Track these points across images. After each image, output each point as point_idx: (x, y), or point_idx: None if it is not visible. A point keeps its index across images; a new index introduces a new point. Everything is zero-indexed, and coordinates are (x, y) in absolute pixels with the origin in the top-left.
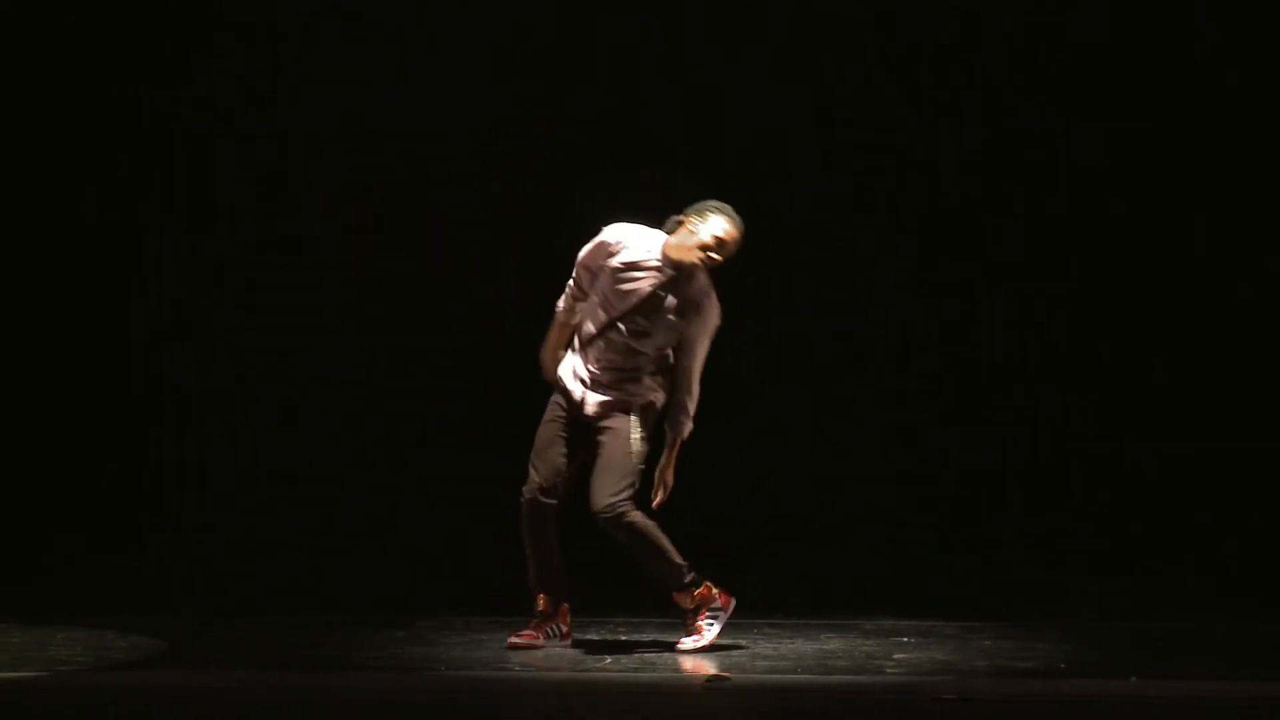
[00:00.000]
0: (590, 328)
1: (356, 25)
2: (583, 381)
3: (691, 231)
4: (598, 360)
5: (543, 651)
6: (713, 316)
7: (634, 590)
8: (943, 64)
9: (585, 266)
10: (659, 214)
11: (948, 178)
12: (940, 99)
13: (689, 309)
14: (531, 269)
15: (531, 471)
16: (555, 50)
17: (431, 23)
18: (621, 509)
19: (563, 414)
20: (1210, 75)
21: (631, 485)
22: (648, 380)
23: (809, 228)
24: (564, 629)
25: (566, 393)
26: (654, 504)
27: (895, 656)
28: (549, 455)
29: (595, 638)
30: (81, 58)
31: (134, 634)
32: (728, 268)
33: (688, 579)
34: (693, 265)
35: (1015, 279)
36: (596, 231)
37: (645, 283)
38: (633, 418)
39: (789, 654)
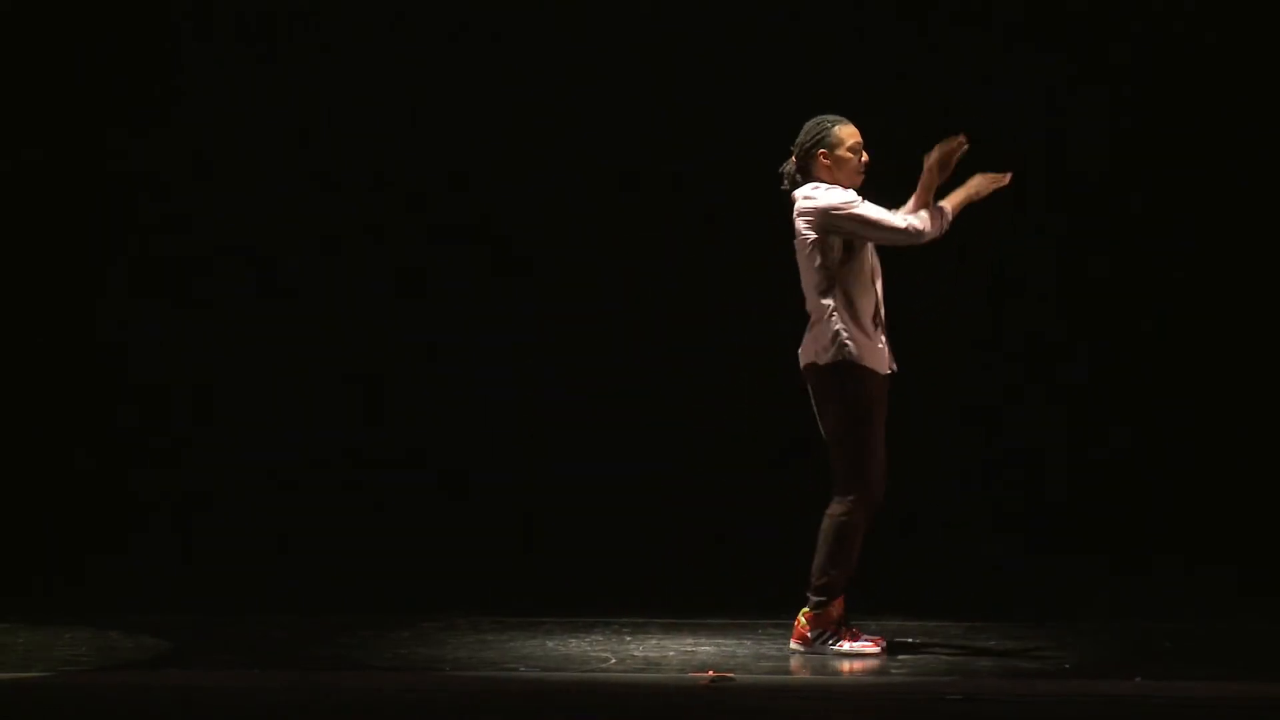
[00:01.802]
0: (867, 296)
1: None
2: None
3: (837, 158)
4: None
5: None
6: None
7: (634, 590)
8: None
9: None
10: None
11: None
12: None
13: None
14: (528, 263)
15: (875, 486)
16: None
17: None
18: None
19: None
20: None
21: None
22: None
23: None
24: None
25: (878, 376)
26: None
27: (900, 656)
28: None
29: (600, 638)
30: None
31: (139, 634)
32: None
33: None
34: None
35: (1012, 275)
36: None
37: None
38: None
39: (792, 654)
